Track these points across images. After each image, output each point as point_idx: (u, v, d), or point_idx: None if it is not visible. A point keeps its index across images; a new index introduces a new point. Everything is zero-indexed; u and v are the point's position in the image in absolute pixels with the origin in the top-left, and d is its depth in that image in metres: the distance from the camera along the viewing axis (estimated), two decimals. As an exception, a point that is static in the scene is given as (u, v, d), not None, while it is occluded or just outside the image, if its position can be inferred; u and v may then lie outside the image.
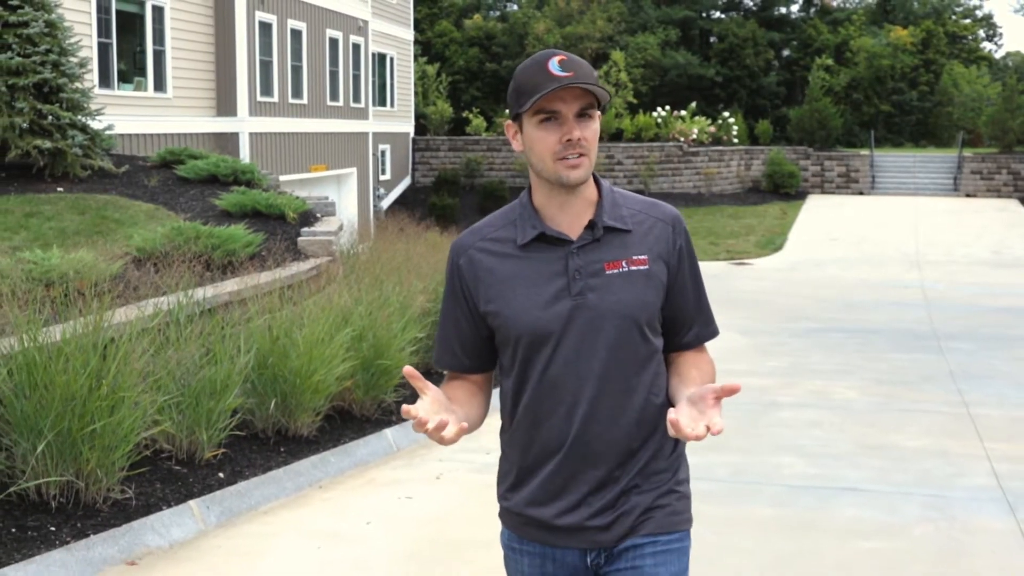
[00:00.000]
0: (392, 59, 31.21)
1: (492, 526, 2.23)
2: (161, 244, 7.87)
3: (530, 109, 2.22)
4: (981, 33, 54.36)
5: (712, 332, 2.45)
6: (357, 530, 5.26)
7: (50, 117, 10.90)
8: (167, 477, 5.47)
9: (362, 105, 27.26)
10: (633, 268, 2.29)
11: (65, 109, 11.04)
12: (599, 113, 2.28)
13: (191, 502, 5.22)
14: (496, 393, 2.69)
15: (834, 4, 54.46)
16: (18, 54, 10.72)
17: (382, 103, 30.31)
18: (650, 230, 2.34)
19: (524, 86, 2.23)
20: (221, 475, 5.64)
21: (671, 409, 2.08)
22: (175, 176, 11.58)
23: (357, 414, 7.15)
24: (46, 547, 4.51)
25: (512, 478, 2.38)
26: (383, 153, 30.41)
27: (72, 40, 11.59)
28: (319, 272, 8.36)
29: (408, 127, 33.11)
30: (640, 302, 2.29)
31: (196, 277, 6.43)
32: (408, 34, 32.94)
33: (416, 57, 36.16)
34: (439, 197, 30.24)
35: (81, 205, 10.01)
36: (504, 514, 2.42)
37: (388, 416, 7.26)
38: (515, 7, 53.13)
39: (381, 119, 29.69)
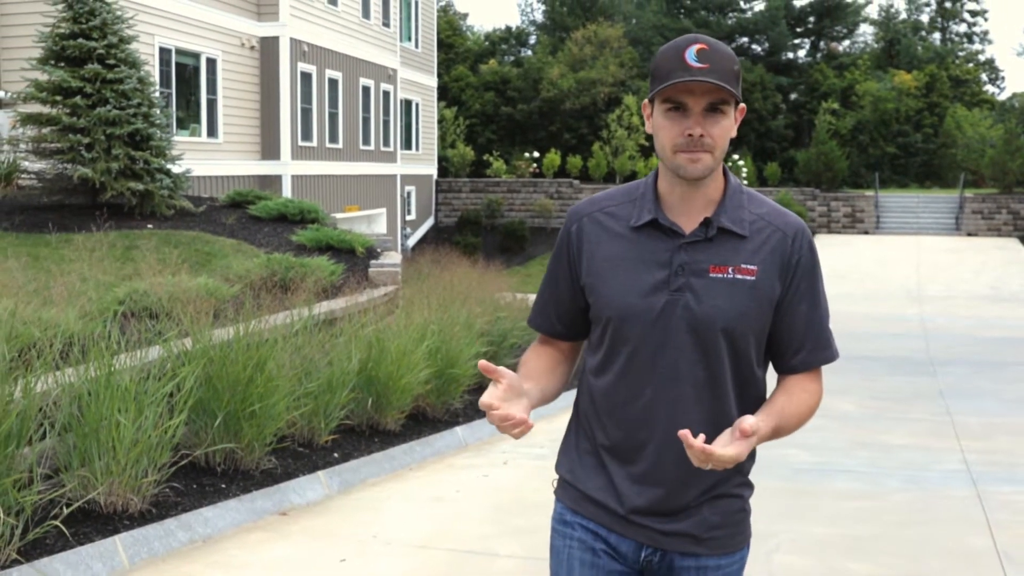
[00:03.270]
0: (417, 105, 32.82)
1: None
2: (259, 272, 9.27)
3: (659, 95, 2.14)
4: (984, 77, 55.97)
5: (823, 358, 2.27)
6: (450, 495, 6.60)
7: (140, 162, 12.36)
8: (295, 454, 6.83)
9: (391, 149, 28.80)
10: (739, 276, 2.17)
11: (154, 155, 12.50)
12: (735, 107, 2.16)
13: (319, 473, 6.58)
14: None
15: (840, 49, 56.17)
16: (114, 107, 12.20)
17: (408, 146, 31.88)
18: (767, 240, 2.20)
19: (658, 69, 2.13)
20: (336, 455, 7.00)
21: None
22: (247, 215, 13.02)
23: (430, 416, 8.51)
24: (220, 498, 5.87)
25: (582, 455, 2.33)
26: (409, 194, 31.93)
27: (157, 95, 13.09)
28: (390, 298, 9.75)
29: (432, 169, 34.68)
30: (737, 313, 2.17)
31: (305, 298, 7.82)
32: (432, 81, 34.59)
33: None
34: (463, 236, 31.78)
35: (173, 240, 11.43)
36: (564, 486, 2.36)
37: (455, 418, 8.62)
38: (530, 52, 54.94)
39: (407, 162, 31.25)
